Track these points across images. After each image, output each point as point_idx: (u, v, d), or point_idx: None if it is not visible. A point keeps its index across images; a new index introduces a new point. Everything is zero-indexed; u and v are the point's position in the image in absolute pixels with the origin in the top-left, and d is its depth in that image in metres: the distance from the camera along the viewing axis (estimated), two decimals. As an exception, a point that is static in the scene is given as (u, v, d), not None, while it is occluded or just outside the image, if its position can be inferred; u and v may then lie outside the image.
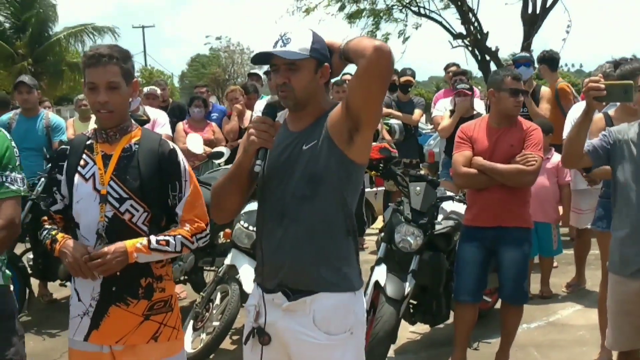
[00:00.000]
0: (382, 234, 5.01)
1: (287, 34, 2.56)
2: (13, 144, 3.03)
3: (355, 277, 2.68)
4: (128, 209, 2.88)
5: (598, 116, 5.07)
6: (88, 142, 2.97)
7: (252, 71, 10.27)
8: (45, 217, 3.03)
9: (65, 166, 2.96)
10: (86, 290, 2.92)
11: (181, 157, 2.99)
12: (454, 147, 4.74)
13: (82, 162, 2.92)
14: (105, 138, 2.93)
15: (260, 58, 2.61)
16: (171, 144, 3.01)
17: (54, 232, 2.93)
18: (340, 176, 2.58)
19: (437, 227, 4.98)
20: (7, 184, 2.94)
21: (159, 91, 9.07)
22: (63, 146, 3.03)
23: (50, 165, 3.05)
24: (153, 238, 2.86)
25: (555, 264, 7.19)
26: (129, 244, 2.82)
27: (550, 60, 7.94)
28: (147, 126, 6.46)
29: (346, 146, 2.55)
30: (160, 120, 6.81)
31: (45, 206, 3.04)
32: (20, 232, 3.10)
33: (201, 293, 5.36)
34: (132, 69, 2.95)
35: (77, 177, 2.91)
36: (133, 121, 3.03)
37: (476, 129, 4.67)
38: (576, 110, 6.53)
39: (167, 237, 2.88)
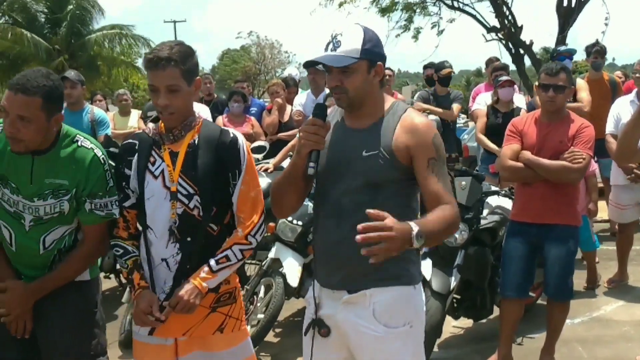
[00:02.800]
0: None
1: (337, 36, 2.55)
2: (106, 166, 3.02)
3: (416, 270, 2.71)
4: (196, 205, 2.90)
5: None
6: (156, 139, 2.97)
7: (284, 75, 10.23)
8: (120, 218, 3.03)
9: (134, 161, 2.96)
10: (159, 283, 2.96)
11: (242, 144, 2.95)
12: (504, 140, 4.72)
13: (151, 159, 2.93)
14: (172, 139, 2.93)
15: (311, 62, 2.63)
16: (232, 133, 2.97)
17: (129, 262, 2.98)
18: (401, 185, 2.62)
19: (483, 221, 4.97)
20: (95, 211, 3.01)
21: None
22: (129, 141, 3.03)
23: (117, 160, 3.06)
24: (212, 261, 2.89)
25: (597, 260, 7.14)
26: (194, 280, 2.87)
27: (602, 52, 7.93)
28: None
29: (410, 162, 2.60)
30: (202, 114, 6.84)
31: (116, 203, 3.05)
32: (106, 252, 3.24)
33: (245, 286, 5.41)
34: (195, 68, 2.90)
35: (147, 174, 2.92)
36: (197, 114, 3.01)
37: (527, 123, 4.63)
38: (619, 105, 6.48)
39: (225, 253, 2.91)
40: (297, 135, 2.69)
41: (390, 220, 2.29)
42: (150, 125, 3.02)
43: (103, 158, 3.03)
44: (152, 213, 2.92)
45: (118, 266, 5.89)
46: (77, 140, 3.03)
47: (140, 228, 3.01)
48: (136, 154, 2.96)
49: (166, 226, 2.90)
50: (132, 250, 2.99)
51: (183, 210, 2.89)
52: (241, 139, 2.97)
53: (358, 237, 2.24)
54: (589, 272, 6.53)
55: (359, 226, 2.25)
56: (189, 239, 2.90)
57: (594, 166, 6.26)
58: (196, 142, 2.93)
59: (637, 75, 6.44)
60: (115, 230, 3.04)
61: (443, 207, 2.55)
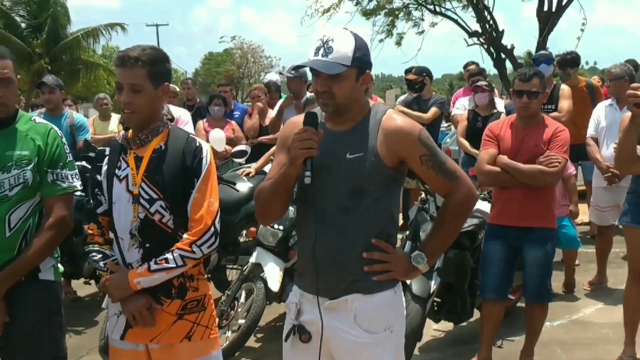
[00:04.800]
0: (407, 232, 5.03)
1: (329, 41, 2.54)
2: (64, 140, 3.12)
3: None
4: (158, 210, 2.91)
5: (627, 114, 5.08)
6: (124, 144, 3.01)
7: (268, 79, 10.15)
8: (94, 225, 3.04)
9: (104, 168, 3.00)
10: None
11: (206, 154, 2.96)
12: (481, 144, 4.75)
13: (118, 164, 2.97)
14: (138, 144, 2.96)
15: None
16: (199, 142, 3.00)
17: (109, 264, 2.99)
18: (386, 188, 2.64)
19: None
20: (58, 182, 3.05)
21: (178, 89, 9.13)
22: (100, 148, 3.08)
23: (91, 167, 3.10)
24: (153, 260, 2.89)
25: (577, 262, 7.20)
26: (130, 273, 2.89)
27: (572, 61, 7.96)
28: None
29: (397, 165, 2.62)
30: (183, 119, 6.83)
31: (90, 211, 3.06)
32: (71, 229, 3.22)
33: (226, 291, 5.40)
34: (164, 73, 2.93)
35: (114, 179, 2.96)
36: (167, 121, 3.04)
37: (503, 128, 4.68)
38: (599, 109, 6.56)
39: (166, 255, 2.88)
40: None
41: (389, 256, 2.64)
42: (122, 132, 3.07)
43: (60, 133, 3.13)
44: (118, 217, 2.94)
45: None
46: (33, 120, 3.19)
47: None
48: (105, 160, 3.01)
49: (128, 229, 2.92)
50: (110, 254, 3.00)
51: (144, 215, 2.90)
52: (206, 149, 2.98)
53: (365, 254, 2.61)
54: (567, 274, 6.57)
55: (364, 254, 2.61)
56: (148, 244, 2.92)
57: (572, 168, 6.31)
58: (163, 147, 2.95)
59: (609, 84, 6.51)
60: (90, 237, 3.04)
61: (444, 207, 2.73)
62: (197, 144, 2.97)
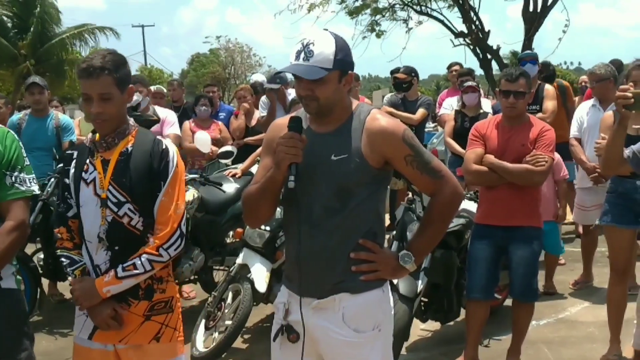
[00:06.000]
0: (394, 232, 5.04)
1: (309, 45, 2.53)
2: (21, 144, 3.05)
3: None
4: (126, 213, 2.92)
5: (608, 113, 5.11)
6: (91, 147, 3.00)
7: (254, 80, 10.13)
8: (64, 229, 3.03)
9: (71, 171, 2.99)
10: None
11: (172, 156, 2.96)
12: (468, 144, 4.77)
13: (85, 167, 2.97)
14: (105, 147, 2.96)
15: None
16: (165, 144, 3.00)
17: (77, 272, 2.99)
18: (372, 189, 2.64)
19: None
20: (16, 185, 2.96)
21: (164, 90, 9.10)
22: (68, 152, 3.06)
23: (60, 171, 3.07)
24: (120, 267, 2.89)
25: (562, 261, 7.24)
26: (97, 282, 2.89)
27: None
28: (156, 125, 6.48)
29: (382, 165, 2.63)
30: (169, 119, 6.83)
31: (60, 215, 3.04)
32: (29, 232, 3.14)
33: (213, 292, 5.39)
34: (127, 76, 2.93)
35: (81, 182, 2.96)
36: (132, 123, 3.04)
37: (489, 128, 4.70)
38: (582, 109, 6.59)
39: (133, 261, 2.89)
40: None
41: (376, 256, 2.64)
42: (89, 135, 3.05)
43: (17, 137, 3.05)
44: (85, 220, 2.95)
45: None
46: None
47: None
48: (73, 163, 3.00)
49: (96, 232, 2.92)
50: (78, 260, 3.00)
51: (112, 218, 2.91)
52: (172, 151, 2.98)
53: (352, 254, 2.61)
54: (547, 277, 6.58)
55: (352, 254, 2.61)
56: (117, 247, 2.92)
57: (565, 172, 6.35)
58: (129, 150, 2.95)
59: (593, 85, 6.54)
60: (59, 242, 3.04)
61: (430, 206, 2.73)
62: (164, 147, 2.97)
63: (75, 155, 3.02)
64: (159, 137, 3.06)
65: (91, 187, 2.93)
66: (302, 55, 2.53)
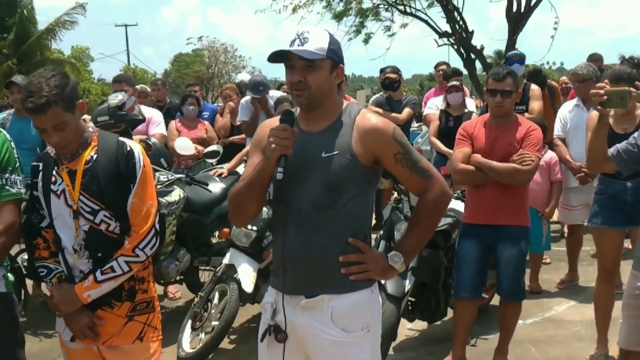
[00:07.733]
0: (381, 231, 5.03)
1: (304, 33, 2.56)
2: (12, 144, 3.02)
3: None
4: (103, 220, 2.92)
5: (594, 113, 5.12)
6: (56, 158, 2.97)
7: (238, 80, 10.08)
8: (40, 239, 3.00)
9: (39, 183, 2.96)
10: None
11: (138, 157, 2.95)
12: (455, 143, 4.77)
13: (52, 179, 2.94)
14: (69, 158, 2.94)
15: (276, 56, 2.60)
16: (129, 145, 2.98)
17: (54, 280, 2.97)
18: (362, 187, 2.63)
19: (436, 224, 5.00)
20: (7, 187, 2.94)
21: (148, 89, 9.04)
22: (34, 163, 3.00)
23: (26, 185, 3.04)
24: (98, 271, 2.89)
25: (548, 261, 7.27)
26: (77, 287, 2.90)
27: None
28: (142, 125, 6.43)
29: (372, 164, 2.62)
30: (155, 119, 6.78)
31: (33, 226, 3.00)
32: (20, 236, 3.11)
33: (199, 293, 5.36)
34: (73, 94, 2.85)
35: (51, 194, 2.93)
36: (92, 128, 3.01)
37: (476, 127, 4.70)
38: (565, 109, 6.62)
39: (111, 264, 2.90)
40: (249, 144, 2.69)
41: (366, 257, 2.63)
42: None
43: (9, 137, 3.03)
44: (61, 231, 2.94)
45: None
46: None
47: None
48: (40, 175, 2.96)
49: (72, 243, 2.92)
50: (54, 268, 2.98)
51: (89, 226, 2.90)
52: (137, 151, 2.97)
53: (341, 257, 2.60)
54: (532, 277, 6.58)
55: (341, 258, 2.60)
56: (99, 254, 2.92)
57: (560, 174, 6.37)
58: (94, 157, 2.93)
59: (576, 85, 6.57)
60: (36, 252, 3.01)
61: (418, 206, 2.73)
62: (129, 148, 2.96)
63: (40, 168, 2.97)
64: (121, 138, 3.04)
65: (62, 199, 2.92)
66: (297, 42, 2.54)
